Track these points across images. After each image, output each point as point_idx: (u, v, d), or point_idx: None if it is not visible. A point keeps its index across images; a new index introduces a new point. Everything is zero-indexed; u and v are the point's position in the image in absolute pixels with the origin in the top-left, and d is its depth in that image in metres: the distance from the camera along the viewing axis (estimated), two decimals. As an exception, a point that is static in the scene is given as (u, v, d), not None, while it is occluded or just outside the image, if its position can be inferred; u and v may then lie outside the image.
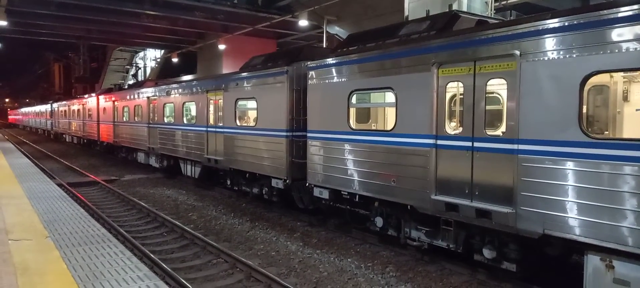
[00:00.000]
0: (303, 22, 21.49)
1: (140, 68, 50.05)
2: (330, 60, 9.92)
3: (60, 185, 14.93)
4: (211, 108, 15.00)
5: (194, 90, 16.14)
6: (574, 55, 5.81)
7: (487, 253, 7.21)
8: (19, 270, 5.70)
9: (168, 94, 18.22)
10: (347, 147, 9.40)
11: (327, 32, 22.34)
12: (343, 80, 9.54)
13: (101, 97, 27.87)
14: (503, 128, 7.50)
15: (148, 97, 20.04)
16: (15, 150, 25.29)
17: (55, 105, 44.84)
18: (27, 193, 10.95)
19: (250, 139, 12.69)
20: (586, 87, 5.86)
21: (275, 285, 7.52)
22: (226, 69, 29.32)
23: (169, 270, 7.93)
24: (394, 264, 8.65)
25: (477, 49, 6.96)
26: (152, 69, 45.33)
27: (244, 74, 13.20)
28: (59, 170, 21.97)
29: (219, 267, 8.68)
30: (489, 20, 8.79)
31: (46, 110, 49.88)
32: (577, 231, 5.81)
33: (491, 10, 14.66)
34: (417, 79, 7.85)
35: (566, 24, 5.92)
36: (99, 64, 57.46)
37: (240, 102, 13.41)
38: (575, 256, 7.91)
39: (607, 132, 6.54)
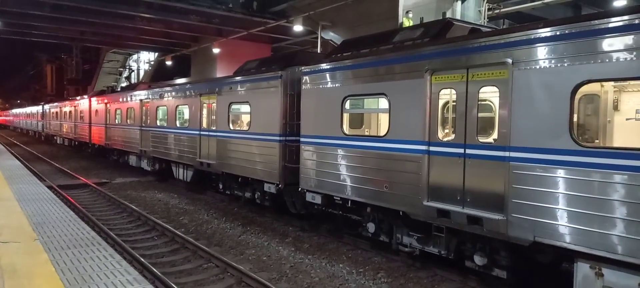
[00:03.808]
0: (298, 27, 21.55)
1: (133, 70, 49.88)
2: (324, 66, 9.94)
3: (50, 188, 14.81)
4: (204, 111, 14.95)
5: (188, 93, 16.09)
6: (565, 64, 5.87)
7: (478, 260, 7.23)
8: (6, 272, 5.63)
9: (161, 96, 18.15)
10: (340, 152, 9.41)
11: (321, 37, 22.42)
12: (337, 85, 9.56)
13: (93, 99, 27.71)
14: (495, 135, 7.54)
15: (141, 100, 19.96)
16: (5, 152, 25.04)
17: (46, 106, 44.50)
18: (16, 195, 10.83)
19: (243, 143, 12.66)
20: (577, 96, 5.92)
21: (266, 290, 7.48)
22: (220, 72, 29.30)
23: (159, 274, 7.87)
24: (386, 270, 8.64)
25: (469, 57, 7.01)
26: (145, 71, 45.17)
27: (238, 78, 13.18)
28: (49, 172, 21.76)
29: (210, 271, 8.62)
30: (482, 28, 8.86)
31: (37, 112, 49.47)
32: (568, 238, 5.84)
33: (484, 18, 14.81)
34: (411, 86, 7.88)
35: (558, 33, 5.98)
36: (91, 66, 57.17)
37: (233, 106, 13.39)
38: (565, 263, 7.95)
39: (597, 141, 6.60)
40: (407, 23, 13.98)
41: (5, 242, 6.87)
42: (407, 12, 14.46)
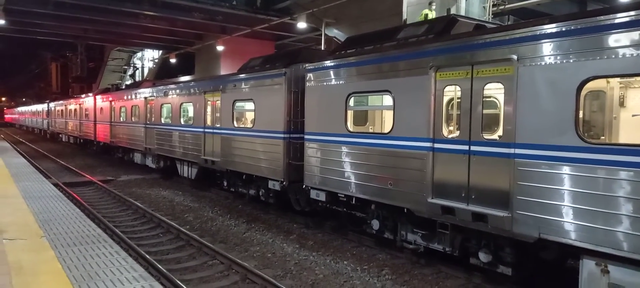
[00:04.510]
0: (301, 24, 21.52)
1: (137, 68, 50.01)
2: (328, 63, 9.93)
3: (56, 185, 14.89)
4: (209, 109, 14.98)
5: (192, 91, 16.12)
6: (571, 61, 5.84)
7: (483, 256, 7.22)
8: (13, 269, 5.68)
9: (165, 94, 18.20)
10: (344, 149, 9.41)
11: (325, 34, 22.39)
12: (341, 82, 9.55)
13: (98, 97, 27.80)
14: (500, 132, 7.52)
15: (145, 98, 20.01)
16: (11, 149, 25.20)
17: (52, 104, 44.70)
18: (22, 192, 10.91)
19: (248, 140, 12.68)
20: (583, 92, 5.88)
21: (270, 287, 7.50)
22: (224, 70, 29.32)
23: (165, 271, 7.91)
24: (390, 267, 8.65)
25: (474, 53, 6.98)
26: (149, 69, 45.27)
27: (242, 76, 13.19)
28: (54, 169, 21.89)
29: (215, 268, 8.66)
30: (486, 24, 8.82)
31: (43, 110, 49.71)
32: (573, 235, 5.82)
33: (489, 14, 14.73)
34: (415, 82, 7.86)
35: (563, 29, 5.94)
36: (96, 64, 57.32)
37: (237, 104, 13.41)
38: (570, 260, 7.93)
39: (603, 137, 6.56)
40: (430, 15, 13.74)
41: (12, 239, 6.92)
42: (430, 3, 14.22)
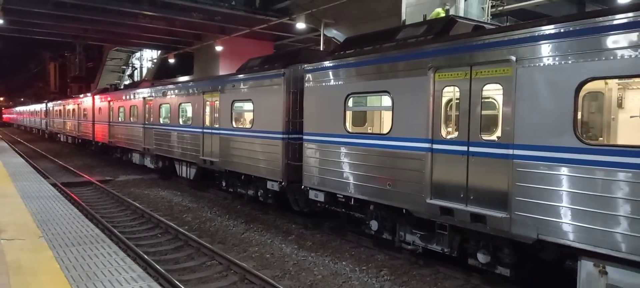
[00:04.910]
0: (300, 25, 21.49)
1: (136, 68, 49.94)
2: (327, 63, 9.93)
3: (54, 185, 14.86)
4: (207, 109, 14.98)
5: (190, 91, 16.11)
6: (570, 62, 5.85)
7: (482, 257, 7.23)
8: (11, 269, 5.67)
9: (164, 94, 18.18)
10: (343, 150, 9.41)
11: (324, 35, 22.38)
12: (340, 83, 9.55)
13: (97, 97, 27.77)
14: (498, 133, 7.54)
15: (144, 98, 19.99)
16: (9, 149, 25.15)
17: (50, 104, 44.63)
18: (20, 192, 10.89)
19: (246, 140, 12.68)
20: (581, 94, 5.90)
21: (269, 287, 7.50)
22: (223, 70, 29.29)
23: (163, 271, 7.90)
24: (389, 268, 8.65)
25: (473, 54, 6.99)
26: (148, 69, 45.22)
27: (241, 76, 13.19)
28: (53, 169, 21.84)
29: (213, 268, 8.65)
30: (485, 25, 8.84)
31: (41, 110, 49.62)
32: (571, 236, 5.83)
33: (488, 15, 14.74)
34: (414, 83, 7.87)
35: (562, 30, 5.96)
36: (95, 64, 57.22)
37: (236, 104, 13.40)
38: (569, 261, 7.95)
39: (601, 139, 6.58)
40: (442, 13, 13.67)
41: (10, 239, 6.91)
42: (444, 4, 14.13)
